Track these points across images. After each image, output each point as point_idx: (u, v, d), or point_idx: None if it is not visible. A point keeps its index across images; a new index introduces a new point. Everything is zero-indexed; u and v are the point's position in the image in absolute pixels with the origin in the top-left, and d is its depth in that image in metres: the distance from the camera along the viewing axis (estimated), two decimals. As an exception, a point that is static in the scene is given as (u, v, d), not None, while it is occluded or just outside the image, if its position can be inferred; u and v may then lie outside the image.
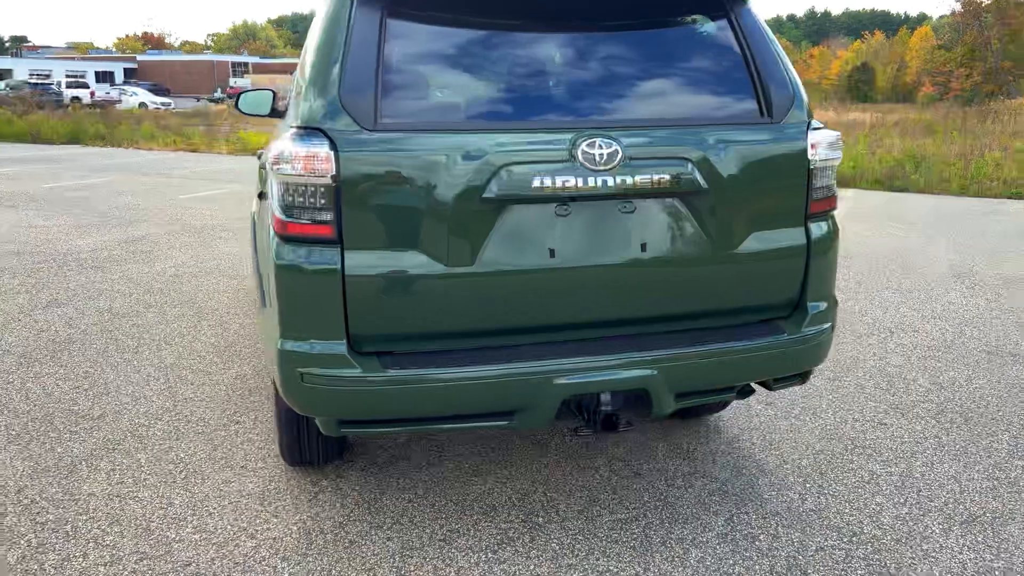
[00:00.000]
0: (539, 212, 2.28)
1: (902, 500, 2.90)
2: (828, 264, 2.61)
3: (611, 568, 2.49)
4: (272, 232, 2.29)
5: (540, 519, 2.77)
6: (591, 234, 2.33)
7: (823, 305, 2.60)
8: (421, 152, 2.22)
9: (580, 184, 2.24)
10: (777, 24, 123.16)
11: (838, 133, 2.59)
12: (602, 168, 2.25)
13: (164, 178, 13.04)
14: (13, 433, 3.43)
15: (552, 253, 2.30)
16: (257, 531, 2.71)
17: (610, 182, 2.26)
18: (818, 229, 2.57)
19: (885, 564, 2.52)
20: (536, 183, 2.22)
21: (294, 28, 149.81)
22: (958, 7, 45.85)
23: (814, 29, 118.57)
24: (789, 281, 2.56)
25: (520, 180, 2.22)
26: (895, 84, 63.31)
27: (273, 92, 4.73)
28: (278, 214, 2.24)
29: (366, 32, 2.26)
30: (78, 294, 5.65)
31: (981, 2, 44.52)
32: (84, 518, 2.77)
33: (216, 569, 2.48)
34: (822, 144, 2.50)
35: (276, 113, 4.73)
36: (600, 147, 2.26)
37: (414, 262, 2.24)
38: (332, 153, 2.16)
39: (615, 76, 2.43)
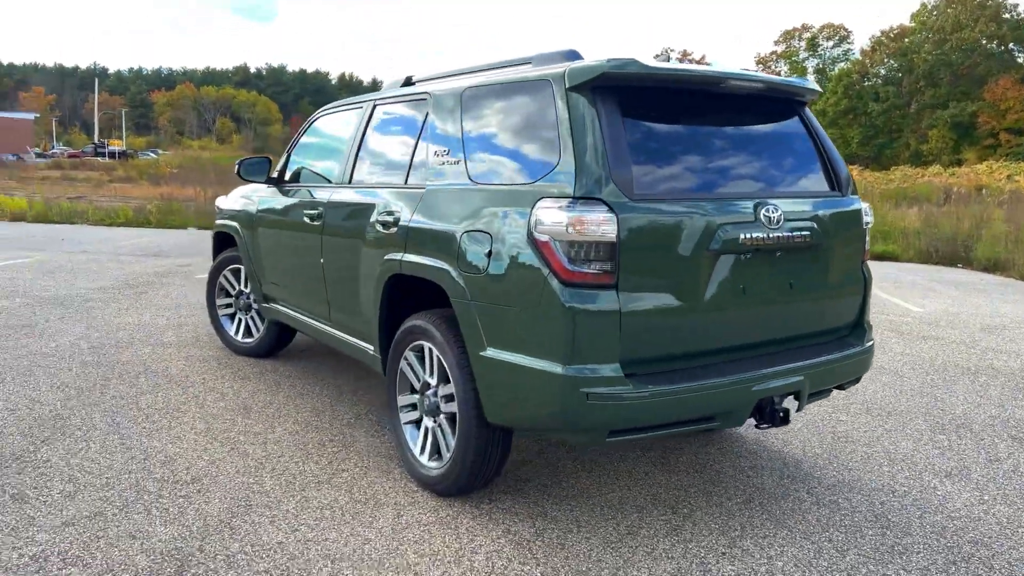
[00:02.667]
0: (735, 260, 3.04)
1: None
2: (869, 296, 3.66)
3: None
4: (553, 278, 2.78)
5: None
6: (762, 275, 3.13)
7: (869, 325, 3.64)
8: (666, 215, 2.89)
9: (763, 238, 3.05)
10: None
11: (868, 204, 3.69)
12: (774, 226, 3.09)
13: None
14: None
15: (744, 290, 3.08)
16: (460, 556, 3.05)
17: (778, 236, 3.10)
18: (866, 271, 3.62)
19: None
20: (741, 238, 3.00)
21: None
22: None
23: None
24: (855, 307, 3.56)
25: (731, 236, 2.98)
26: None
27: (269, 159, 4.96)
28: (565, 264, 2.76)
29: (613, 119, 2.89)
30: None
31: None
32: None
33: (477, 580, 2.82)
34: (867, 211, 3.57)
35: (271, 180, 4.96)
36: (772, 211, 3.09)
37: (663, 300, 2.88)
38: (614, 216, 2.75)
39: (762, 156, 3.31)
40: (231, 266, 5.77)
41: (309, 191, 4.69)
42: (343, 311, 4.29)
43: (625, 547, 3.11)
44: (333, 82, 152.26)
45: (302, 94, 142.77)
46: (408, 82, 4.30)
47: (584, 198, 2.79)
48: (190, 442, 4.11)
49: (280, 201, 4.98)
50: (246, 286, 5.71)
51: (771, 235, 3.08)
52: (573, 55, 3.22)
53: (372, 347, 3.99)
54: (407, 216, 3.58)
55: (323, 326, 4.57)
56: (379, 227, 3.77)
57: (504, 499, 3.51)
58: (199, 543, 3.06)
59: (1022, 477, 3.87)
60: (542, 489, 3.63)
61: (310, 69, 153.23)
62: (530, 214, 2.88)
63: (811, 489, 3.69)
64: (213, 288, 5.90)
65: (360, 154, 4.28)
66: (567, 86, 2.96)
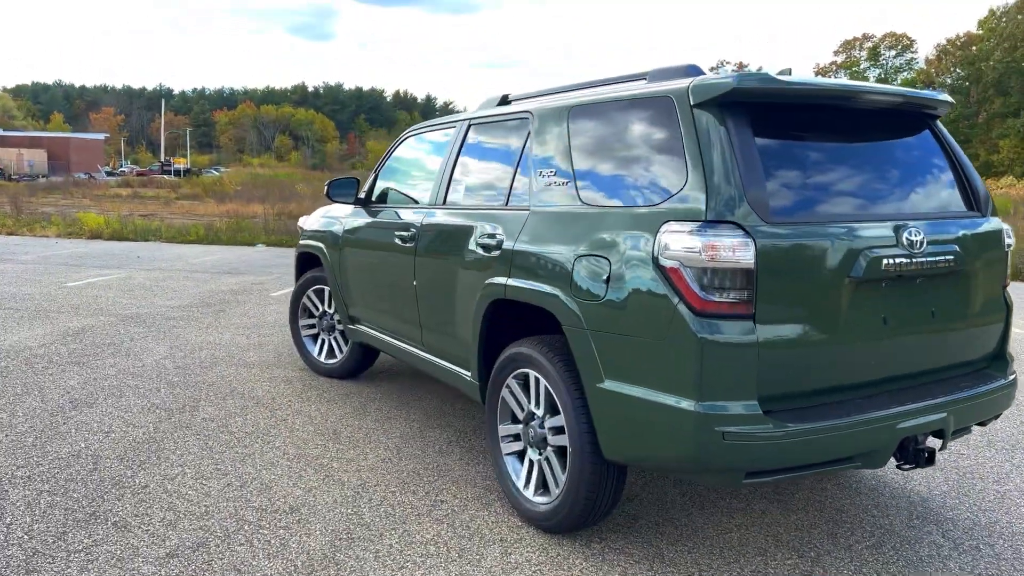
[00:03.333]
0: (876, 287, 2.82)
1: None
2: (1011, 325, 3.38)
3: None
4: (683, 307, 2.60)
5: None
6: (903, 303, 2.90)
7: (1011, 357, 3.36)
8: (804, 240, 2.69)
9: (906, 263, 2.82)
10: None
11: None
12: (917, 251, 2.86)
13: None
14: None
15: (885, 320, 2.85)
16: (593, 593, 2.87)
17: (921, 262, 2.87)
18: (1008, 297, 3.34)
19: (1078, 554, 3.24)
20: (884, 263, 2.77)
21: (35, 99, 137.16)
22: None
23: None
24: (996, 336, 3.29)
25: (873, 262, 2.76)
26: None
27: (357, 180, 4.89)
28: (697, 292, 2.58)
29: (744, 137, 2.71)
30: (92, 391, 5.13)
31: None
32: None
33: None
34: (1008, 233, 3.30)
35: (359, 200, 4.89)
36: (914, 234, 2.86)
37: (801, 331, 2.68)
38: (750, 241, 2.56)
39: (898, 175, 3.08)
40: (315, 286, 5.72)
41: (399, 212, 4.61)
42: (437, 335, 4.18)
43: (755, 595, 2.90)
44: (388, 99, 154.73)
45: (358, 111, 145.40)
46: (504, 100, 4.19)
47: (717, 222, 2.60)
48: (284, 468, 4.03)
49: (368, 222, 4.91)
50: (330, 307, 5.66)
51: (914, 260, 2.85)
52: (695, 70, 3.05)
53: (469, 373, 3.85)
54: (511, 239, 3.44)
55: (415, 350, 4.47)
56: (479, 250, 3.65)
57: (614, 538, 3.33)
58: (306, 580, 2.95)
59: None
60: (654, 527, 3.43)
61: (366, 87, 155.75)
62: (655, 238, 2.71)
63: (946, 532, 3.41)
64: (296, 308, 5.87)
65: (455, 174, 4.17)
66: (692, 103, 2.79)
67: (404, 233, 4.37)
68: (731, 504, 3.68)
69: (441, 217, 4.12)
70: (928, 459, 2.90)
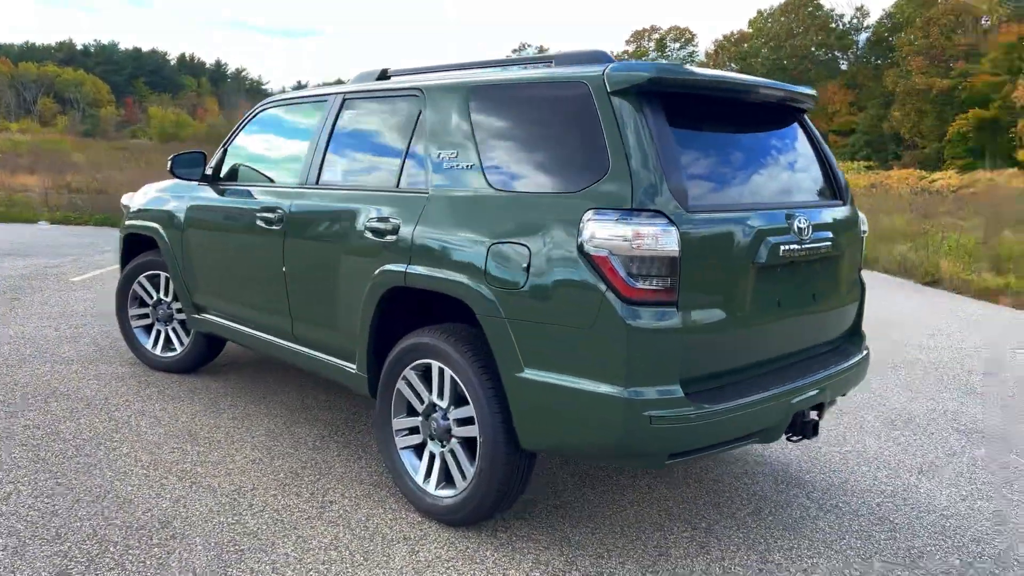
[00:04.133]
0: (773, 272, 2.99)
1: None
2: (864, 304, 3.73)
3: (790, 545, 3.24)
4: (611, 295, 2.61)
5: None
6: (792, 287, 3.10)
7: (864, 333, 3.72)
8: (718, 228, 2.79)
9: (797, 249, 3.02)
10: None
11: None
12: (806, 238, 3.06)
13: None
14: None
15: (779, 303, 3.03)
16: (513, 585, 2.85)
17: (808, 248, 3.08)
18: (862, 279, 3.69)
19: None
20: (781, 250, 2.94)
21: None
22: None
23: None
24: (852, 315, 3.62)
25: (773, 248, 2.92)
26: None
27: (203, 154, 4.50)
28: (626, 280, 2.59)
29: (661, 126, 2.75)
30: None
31: None
32: None
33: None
34: (863, 220, 3.64)
35: (205, 178, 4.51)
36: (802, 222, 3.06)
37: (715, 315, 2.79)
38: (675, 229, 2.61)
39: (781, 165, 3.28)
40: (147, 272, 5.16)
41: (258, 191, 4.25)
42: (312, 325, 3.92)
43: (663, 571, 3.00)
44: (172, 63, 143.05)
45: (136, 74, 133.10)
46: (384, 75, 3.98)
47: (642, 210, 2.63)
48: (140, 478, 3.61)
49: (219, 201, 4.49)
50: (167, 294, 5.14)
51: (803, 246, 3.05)
52: (603, 56, 3.05)
53: (354, 366, 3.65)
54: (409, 224, 3.28)
55: (281, 341, 4.16)
56: (369, 234, 3.45)
57: (518, 525, 3.32)
58: (204, 603, 2.67)
59: (983, 470, 4.11)
60: (553, 511, 3.46)
61: (145, 48, 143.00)
62: (580, 225, 2.70)
63: (809, 494, 3.74)
64: (125, 297, 5.26)
65: (328, 153, 3.91)
66: (609, 90, 2.79)
67: (268, 215, 4.04)
68: (619, 481, 3.79)
69: (316, 199, 3.84)
70: (814, 430, 3.14)
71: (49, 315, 6.73)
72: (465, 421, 3.15)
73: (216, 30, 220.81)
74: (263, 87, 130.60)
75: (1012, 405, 5.24)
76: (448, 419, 3.23)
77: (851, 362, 3.41)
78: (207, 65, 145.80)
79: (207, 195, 4.60)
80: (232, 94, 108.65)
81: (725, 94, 3.08)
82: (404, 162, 3.48)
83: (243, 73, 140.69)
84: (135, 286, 5.22)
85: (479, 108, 3.22)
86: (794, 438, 3.16)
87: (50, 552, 2.95)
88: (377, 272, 3.37)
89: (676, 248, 2.61)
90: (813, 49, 63.30)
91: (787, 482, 3.87)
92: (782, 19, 64.46)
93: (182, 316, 5.09)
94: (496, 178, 3.07)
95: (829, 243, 3.23)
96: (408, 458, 3.42)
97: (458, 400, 3.19)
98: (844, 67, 64.29)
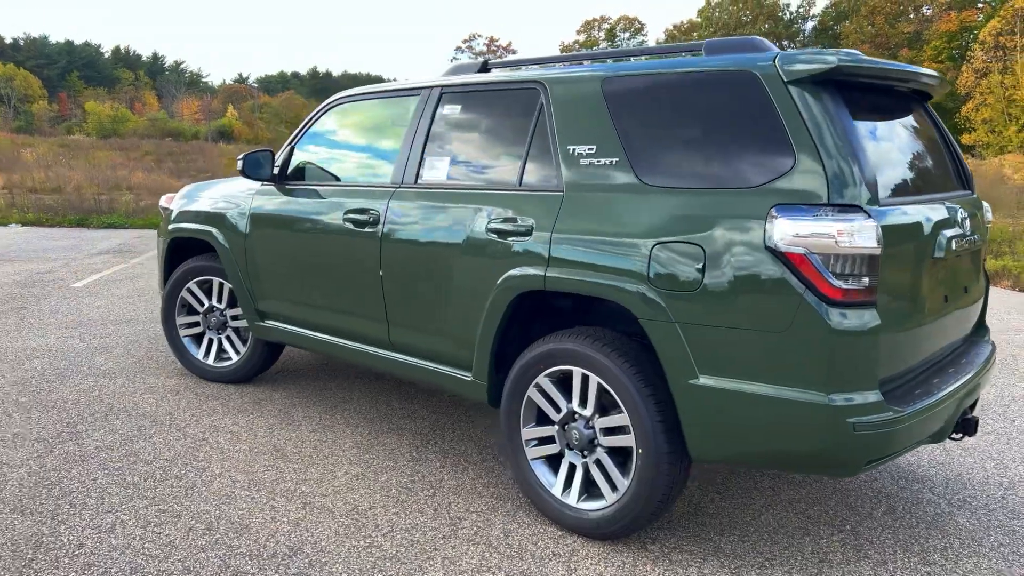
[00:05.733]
0: (942, 266, 2.91)
1: None
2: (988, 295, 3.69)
3: (941, 544, 3.18)
4: (810, 296, 2.49)
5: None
6: (951, 280, 3.03)
7: (987, 325, 3.68)
8: (907, 222, 2.71)
9: (962, 242, 2.96)
10: (283, 80, 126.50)
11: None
12: (967, 231, 3.00)
13: None
14: None
15: (946, 299, 2.96)
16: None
17: (969, 240, 3.02)
18: (987, 271, 3.65)
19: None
20: (953, 244, 2.87)
21: None
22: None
23: (318, 87, 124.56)
24: (980, 308, 3.57)
25: (948, 242, 2.85)
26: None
27: (272, 152, 4.28)
28: (830, 280, 2.47)
29: (844, 116, 2.64)
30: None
31: None
32: None
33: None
34: (987, 209, 3.59)
35: (275, 177, 4.27)
36: (962, 214, 3.00)
37: (904, 314, 2.69)
38: (875, 224, 2.50)
39: (931, 156, 3.22)
40: (198, 278, 4.87)
41: (345, 191, 4.01)
42: (415, 332, 3.71)
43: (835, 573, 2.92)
44: (107, 56, 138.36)
45: (69, 68, 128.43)
46: (485, 68, 3.78)
47: (839, 205, 2.51)
48: (247, 500, 3.38)
49: (292, 202, 4.24)
50: (220, 301, 4.85)
51: (966, 238, 2.99)
52: (759, 43, 2.92)
53: (468, 374, 3.47)
54: (544, 224, 3.11)
55: (373, 350, 3.94)
56: (493, 236, 3.26)
57: (663, 536, 3.18)
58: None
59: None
60: (690, 519, 3.34)
61: (78, 41, 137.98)
62: (767, 222, 2.56)
63: (932, 489, 3.68)
64: (173, 305, 4.96)
65: (427, 150, 3.70)
66: (786, 79, 2.66)
67: (360, 216, 3.81)
68: (741, 484, 3.68)
69: (418, 199, 3.63)
70: (974, 428, 3.08)
71: (65, 324, 6.34)
72: (614, 430, 3.00)
73: (151, 25, 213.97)
74: (204, 80, 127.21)
75: (1074, 389, 5.30)
76: (592, 428, 3.08)
77: (988, 354, 3.36)
78: (143, 58, 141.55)
79: (276, 196, 4.34)
80: (170, 87, 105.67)
81: (888, 82, 2.98)
82: (526, 159, 3.30)
83: (182, 65, 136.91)
84: (184, 293, 4.92)
85: (618, 103, 3.06)
86: (956, 436, 3.09)
87: (187, 589, 2.72)
88: (507, 276, 3.19)
89: (876, 244, 2.50)
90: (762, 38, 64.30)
91: (904, 477, 3.81)
92: (731, 8, 65.23)
93: (237, 323, 4.82)
94: (649, 174, 2.91)
95: (978, 235, 3.17)
96: (542, 469, 3.26)
97: (603, 408, 3.04)
98: (792, 56, 65.36)
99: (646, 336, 2.88)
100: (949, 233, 2.88)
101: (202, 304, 4.92)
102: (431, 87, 3.78)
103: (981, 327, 3.60)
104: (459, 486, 3.58)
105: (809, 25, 64.23)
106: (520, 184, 3.30)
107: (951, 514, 3.44)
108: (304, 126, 4.38)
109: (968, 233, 3.03)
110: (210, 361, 4.95)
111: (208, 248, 4.84)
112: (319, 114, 4.35)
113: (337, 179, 4.21)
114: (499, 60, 3.78)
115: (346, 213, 3.88)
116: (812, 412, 2.51)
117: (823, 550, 3.11)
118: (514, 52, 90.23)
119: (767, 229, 2.57)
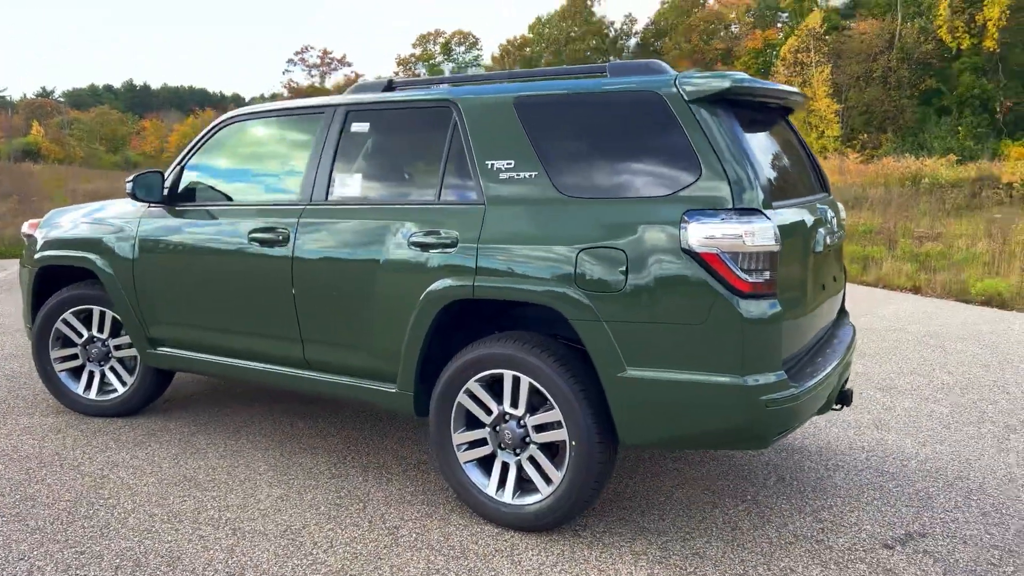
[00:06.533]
0: (816, 260, 3.33)
1: (838, 427, 4.68)
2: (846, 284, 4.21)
3: (827, 504, 3.62)
4: (724, 291, 2.79)
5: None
6: (823, 273, 3.47)
7: (847, 309, 4.20)
8: (794, 221, 3.09)
9: (832, 239, 3.41)
10: (94, 94, 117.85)
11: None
12: (834, 227, 3.44)
13: None
14: None
15: (823, 287, 3.38)
16: None
17: (836, 237, 3.47)
18: (843, 263, 4.17)
19: None
20: (827, 240, 3.31)
21: None
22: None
23: (135, 102, 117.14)
24: (842, 295, 4.08)
25: (821, 238, 3.27)
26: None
27: (161, 173, 4.20)
28: (740, 276, 2.79)
29: (737, 131, 2.99)
30: None
31: None
32: None
33: None
34: (843, 209, 4.12)
35: (165, 199, 4.19)
36: (830, 213, 3.44)
37: (795, 303, 3.07)
38: (772, 225, 2.86)
39: (796, 163, 3.65)
40: (75, 307, 4.59)
41: (247, 211, 3.95)
42: (331, 348, 3.73)
43: (746, 541, 3.24)
44: None
45: None
46: (390, 87, 3.86)
47: (743, 209, 2.84)
48: (170, 533, 3.27)
49: (188, 223, 4.11)
50: (100, 331, 4.60)
51: (834, 235, 3.43)
52: (657, 67, 3.22)
53: (392, 386, 3.54)
54: (470, 236, 3.25)
55: (285, 369, 3.91)
56: (416, 249, 3.37)
57: (591, 522, 3.41)
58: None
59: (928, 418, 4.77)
60: (611, 503, 3.58)
61: None
62: (682, 227, 2.85)
63: (810, 456, 4.15)
64: (46, 338, 4.64)
65: (336, 168, 3.73)
66: (687, 98, 2.97)
67: (267, 236, 3.78)
68: (650, 468, 3.98)
69: (332, 216, 3.66)
70: (850, 399, 3.53)
71: (-97, 368, 5.72)
72: (545, 427, 3.20)
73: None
74: (0, 94, 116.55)
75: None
76: (524, 426, 3.25)
77: (852, 334, 3.85)
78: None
79: (167, 218, 4.19)
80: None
81: (767, 100, 3.38)
82: (444, 174, 3.43)
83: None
84: (59, 324, 4.62)
85: (533, 121, 3.26)
86: (836, 407, 3.53)
87: (132, 627, 2.62)
88: (432, 287, 3.30)
89: (775, 242, 2.85)
90: (589, 53, 67.21)
91: (786, 449, 4.26)
92: (561, 24, 67.83)
93: (122, 353, 4.59)
94: (569, 187, 3.13)
95: (842, 232, 3.63)
96: (474, 471, 3.40)
97: (533, 407, 3.23)
98: (618, 70, 68.84)
99: (569, 337, 3.10)
100: (823, 231, 3.31)
101: (80, 335, 4.64)
102: (336, 105, 3.82)
103: (843, 312, 4.11)
104: (387, 497, 3.64)
105: (632, 41, 67.90)
106: (439, 199, 3.42)
107: (829, 477, 3.90)
108: (195, 145, 4.26)
109: (836, 230, 3.49)
110: (92, 395, 4.66)
111: (85, 275, 4.58)
112: (211, 133, 4.25)
113: (231, 199, 4.14)
114: (403, 79, 3.87)
115: (252, 232, 3.84)
116: (730, 393, 2.82)
117: (732, 519, 3.45)
118: (350, 64, 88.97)
119: (681, 233, 2.86)
